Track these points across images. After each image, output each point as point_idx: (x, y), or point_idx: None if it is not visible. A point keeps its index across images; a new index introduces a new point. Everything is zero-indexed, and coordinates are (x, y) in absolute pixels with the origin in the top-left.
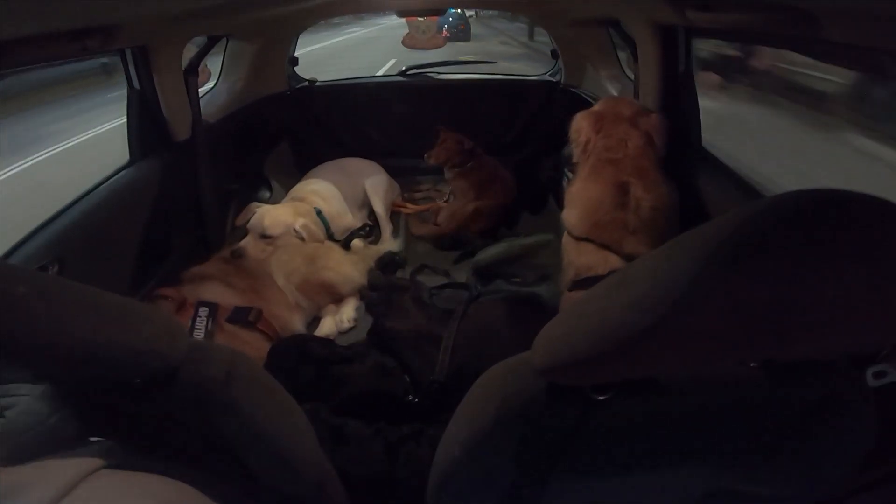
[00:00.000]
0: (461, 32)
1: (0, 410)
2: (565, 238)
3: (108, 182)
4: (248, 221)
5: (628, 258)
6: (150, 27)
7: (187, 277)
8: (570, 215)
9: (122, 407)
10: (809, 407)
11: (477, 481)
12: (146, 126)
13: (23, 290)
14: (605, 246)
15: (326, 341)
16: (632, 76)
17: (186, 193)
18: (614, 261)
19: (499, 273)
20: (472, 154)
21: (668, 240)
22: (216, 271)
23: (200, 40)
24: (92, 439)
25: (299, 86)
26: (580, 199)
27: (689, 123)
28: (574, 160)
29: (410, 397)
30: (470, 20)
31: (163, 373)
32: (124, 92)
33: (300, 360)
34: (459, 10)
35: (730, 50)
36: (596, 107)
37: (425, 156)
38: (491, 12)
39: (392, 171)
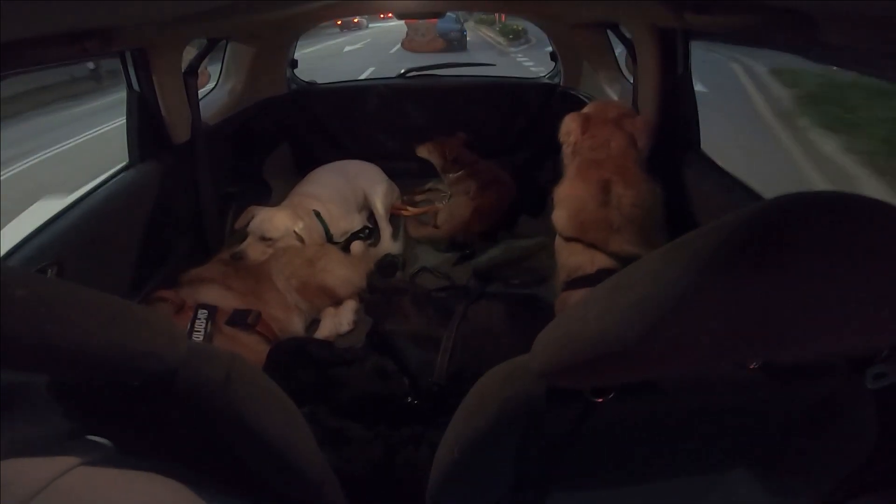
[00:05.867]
0: (456, 42)
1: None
2: (557, 240)
3: (107, 184)
4: (247, 224)
5: (615, 256)
6: (150, 29)
7: (186, 280)
8: (559, 216)
9: (120, 408)
10: (808, 409)
11: (476, 484)
12: (145, 128)
13: (22, 292)
14: (591, 245)
15: (326, 343)
16: (630, 78)
17: (186, 196)
18: (601, 259)
19: (498, 275)
20: (455, 163)
21: (652, 237)
22: (215, 274)
23: (200, 42)
24: (74, 438)
25: (299, 88)
26: (567, 199)
27: (688, 125)
28: (564, 161)
29: (410, 399)
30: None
31: (161, 375)
32: None
33: (299, 362)
34: (454, 14)
35: None
36: (585, 109)
37: (414, 144)
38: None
39: (391, 174)
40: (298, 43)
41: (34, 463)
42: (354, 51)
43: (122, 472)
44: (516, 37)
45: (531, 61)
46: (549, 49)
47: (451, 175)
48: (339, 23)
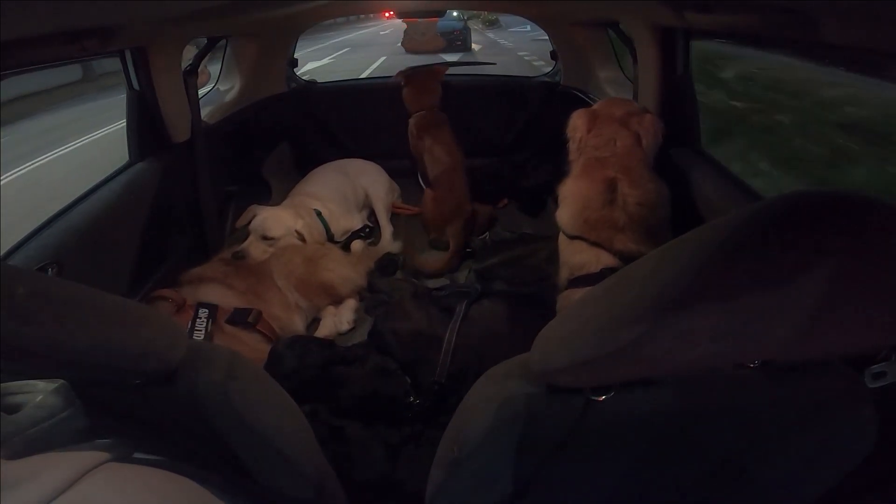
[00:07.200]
0: (459, 41)
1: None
2: (560, 238)
3: (108, 183)
4: (248, 223)
5: (619, 255)
6: (150, 28)
7: (187, 279)
8: (563, 214)
9: (122, 406)
10: (808, 408)
11: (476, 482)
12: (145, 127)
13: (22, 290)
14: (596, 244)
15: (326, 342)
16: (631, 77)
17: (186, 195)
18: (606, 258)
19: (498, 274)
20: (409, 85)
21: (657, 236)
22: (216, 273)
23: (200, 41)
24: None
25: (298, 87)
26: (571, 197)
27: (688, 124)
28: (570, 158)
29: (411, 398)
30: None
31: (162, 374)
32: None
33: (300, 361)
34: (455, 14)
35: None
36: (594, 106)
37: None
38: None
39: (392, 173)
40: (346, 27)
41: (61, 458)
42: (386, 34)
43: (147, 468)
44: (491, 24)
45: (495, 37)
46: (512, 30)
47: (415, 114)
48: (386, 15)
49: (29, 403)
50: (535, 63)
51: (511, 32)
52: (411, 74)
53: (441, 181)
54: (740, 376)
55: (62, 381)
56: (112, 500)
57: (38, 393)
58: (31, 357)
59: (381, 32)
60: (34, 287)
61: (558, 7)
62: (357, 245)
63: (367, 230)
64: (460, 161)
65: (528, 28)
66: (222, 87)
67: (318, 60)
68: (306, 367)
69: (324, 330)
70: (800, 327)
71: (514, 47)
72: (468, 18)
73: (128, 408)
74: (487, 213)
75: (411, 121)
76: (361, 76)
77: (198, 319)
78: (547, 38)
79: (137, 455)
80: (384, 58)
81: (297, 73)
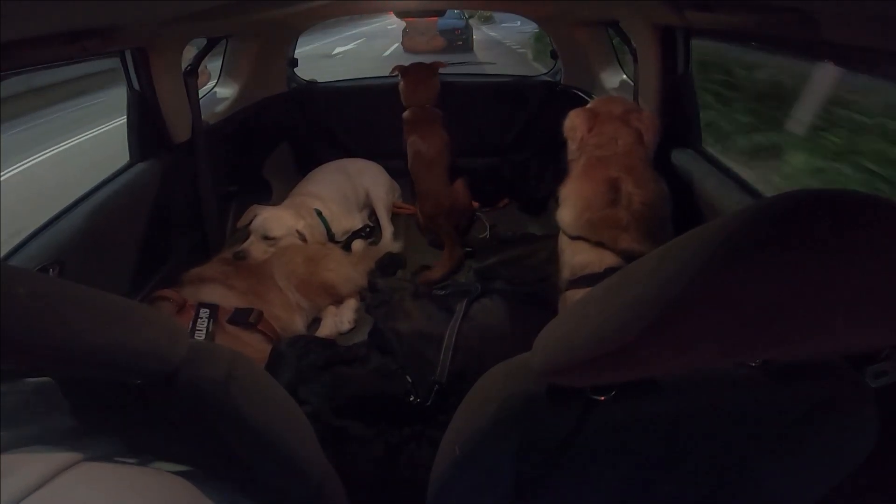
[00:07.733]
0: (460, 40)
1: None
2: (561, 237)
3: (109, 184)
4: (249, 223)
5: (623, 254)
6: (150, 28)
7: (188, 279)
8: (564, 214)
9: (122, 406)
10: (810, 407)
11: (477, 482)
12: (146, 128)
13: (23, 291)
14: (599, 244)
15: (328, 342)
16: (631, 77)
17: (186, 195)
18: (609, 258)
19: (499, 274)
20: (404, 78)
21: (659, 235)
22: (217, 273)
23: (200, 42)
24: (78, 435)
25: (299, 87)
26: (573, 197)
27: (689, 124)
28: (569, 158)
29: (412, 398)
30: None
31: (163, 374)
32: None
33: (301, 360)
34: (457, 12)
35: None
36: (590, 105)
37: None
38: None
39: (392, 173)
40: (352, 23)
41: (31, 458)
42: (393, 28)
43: (126, 468)
44: (486, 20)
45: (487, 30)
46: (504, 24)
47: (407, 109)
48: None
49: (9, 403)
50: (514, 48)
51: (502, 27)
52: (408, 69)
53: (420, 177)
54: (741, 376)
55: (47, 379)
56: (87, 498)
57: (20, 392)
58: (32, 357)
59: (389, 27)
60: (35, 287)
61: (558, 7)
62: (358, 245)
63: (368, 230)
64: (442, 158)
65: (519, 23)
66: (220, 92)
67: (344, 45)
68: (307, 366)
69: (325, 330)
70: (800, 326)
71: (501, 38)
72: (469, 17)
73: (125, 408)
74: (465, 196)
75: (403, 115)
76: (384, 54)
77: (199, 319)
78: (529, 29)
79: (127, 455)
80: (396, 44)
81: (332, 54)
